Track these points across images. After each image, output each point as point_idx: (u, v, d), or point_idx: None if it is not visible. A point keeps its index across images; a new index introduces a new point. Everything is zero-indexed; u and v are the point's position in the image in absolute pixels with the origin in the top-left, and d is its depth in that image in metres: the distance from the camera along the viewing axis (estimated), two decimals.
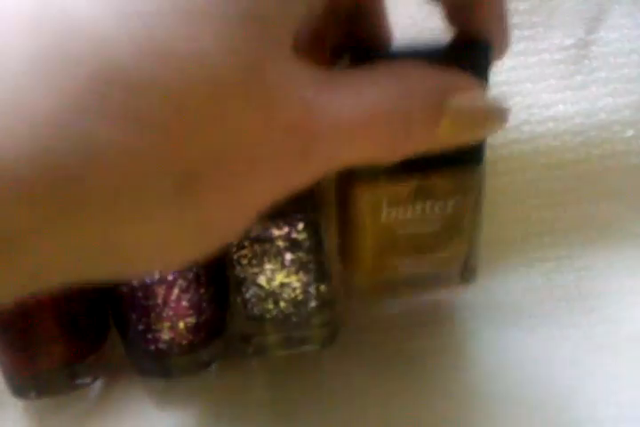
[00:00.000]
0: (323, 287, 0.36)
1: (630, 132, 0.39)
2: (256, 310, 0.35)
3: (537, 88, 0.39)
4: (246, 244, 0.34)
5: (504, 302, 0.40)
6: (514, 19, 0.39)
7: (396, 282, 0.36)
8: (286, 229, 0.34)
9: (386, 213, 0.33)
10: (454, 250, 0.35)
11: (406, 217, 0.33)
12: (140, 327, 0.34)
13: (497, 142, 0.39)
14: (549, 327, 0.39)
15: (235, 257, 0.34)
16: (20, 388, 0.34)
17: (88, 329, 0.35)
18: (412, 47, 0.30)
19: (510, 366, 0.37)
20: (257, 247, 0.34)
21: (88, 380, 0.35)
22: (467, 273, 0.36)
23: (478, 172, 0.33)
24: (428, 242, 0.34)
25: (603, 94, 0.39)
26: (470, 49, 0.30)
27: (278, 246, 0.34)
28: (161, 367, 0.35)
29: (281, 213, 0.34)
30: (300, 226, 0.34)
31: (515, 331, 0.39)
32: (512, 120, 0.38)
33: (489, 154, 0.38)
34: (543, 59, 0.39)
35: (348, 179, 0.33)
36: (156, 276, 0.33)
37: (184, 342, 0.35)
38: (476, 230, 0.35)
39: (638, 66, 0.39)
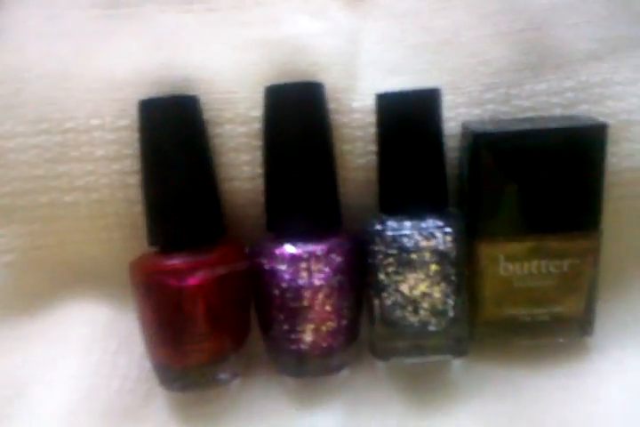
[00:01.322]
0: (461, 299, 0.35)
1: None
2: (395, 317, 0.35)
3: None
4: (393, 252, 0.34)
5: (634, 321, 0.39)
6: None
7: (514, 331, 0.37)
8: (434, 242, 0.34)
9: (503, 266, 0.35)
10: (571, 305, 0.37)
11: (523, 272, 0.36)
12: (286, 327, 0.34)
13: (637, 166, 0.37)
14: None
15: (381, 264, 0.34)
16: (168, 380, 0.35)
17: (233, 327, 0.35)
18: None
19: (638, 384, 0.36)
20: (404, 257, 0.34)
21: (229, 376, 0.36)
22: (585, 326, 0.37)
23: (595, 236, 0.36)
24: (544, 296, 0.36)
25: None
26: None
27: (424, 257, 0.34)
28: (299, 367, 0.36)
29: (431, 225, 0.34)
30: (449, 239, 0.34)
31: None
32: None
33: (630, 175, 0.38)
34: None
35: (473, 233, 0.35)
36: (305, 280, 0.34)
37: (324, 344, 0.35)
38: (593, 288, 0.37)
39: None
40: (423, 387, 0.37)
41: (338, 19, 0.39)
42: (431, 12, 0.39)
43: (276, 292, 0.34)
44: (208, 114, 0.37)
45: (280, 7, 0.39)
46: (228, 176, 0.38)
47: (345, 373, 0.37)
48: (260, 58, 0.38)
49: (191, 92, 0.37)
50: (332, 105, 0.37)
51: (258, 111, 0.36)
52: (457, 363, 0.37)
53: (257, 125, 0.37)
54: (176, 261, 0.34)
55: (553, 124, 0.35)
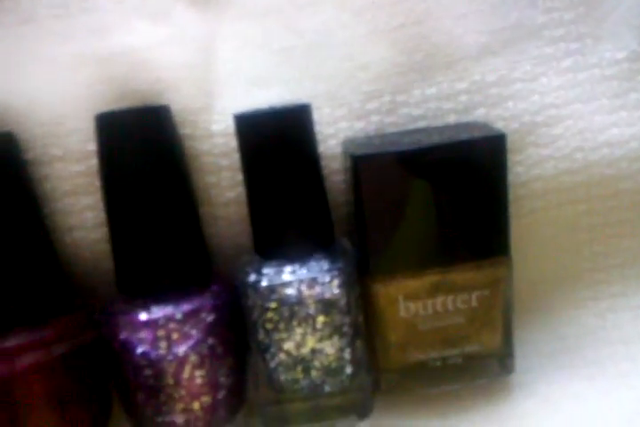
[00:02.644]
0: (358, 351, 0.30)
1: None
2: (283, 380, 0.29)
3: (588, 109, 0.33)
4: (272, 306, 0.28)
5: (556, 350, 0.35)
6: (558, 30, 0.33)
7: (426, 377, 0.32)
8: (319, 289, 0.28)
9: (404, 307, 0.31)
10: (486, 342, 0.32)
11: (427, 312, 0.31)
12: (149, 411, 0.28)
13: (547, 173, 0.33)
14: (608, 376, 0.34)
15: (258, 321, 0.28)
16: None
17: (87, 412, 0.28)
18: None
19: (569, 423, 0.32)
20: (284, 310, 0.28)
21: None
22: (505, 363, 0.33)
23: (504, 263, 0.31)
24: (454, 335, 0.32)
25: None
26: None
27: (309, 308, 0.28)
28: None
29: (314, 268, 0.28)
30: (336, 284, 0.28)
31: (571, 384, 0.34)
32: (563, 148, 0.34)
33: (540, 185, 0.33)
34: (593, 75, 0.33)
35: (365, 272, 0.31)
36: (164, 352, 0.27)
37: (200, 423, 0.28)
38: (508, 321, 0.32)
39: None
40: None
41: (184, 22, 0.32)
42: (297, 9, 0.32)
43: (132, 368, 0.27)
44: (31, 153, 0.30)
45: (112, 12, 0.31)
46: (66, 225, 0.31)
47: None
48: (91, 78, 0.30)
49: (6, 128, 0.29)
50: (186, 130, 0.31)
51: (93, 144, 0.29)
52: (362, 424, 0.32)
53: (94, 162, 0.30)
54: (4, 344, 0.27)
55: (444, 137, 0.30)
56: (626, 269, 0.35)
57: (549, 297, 0.35)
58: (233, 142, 0.31)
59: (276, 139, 0.28)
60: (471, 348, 0.31)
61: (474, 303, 0.30)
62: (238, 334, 0.29)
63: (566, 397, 0.33)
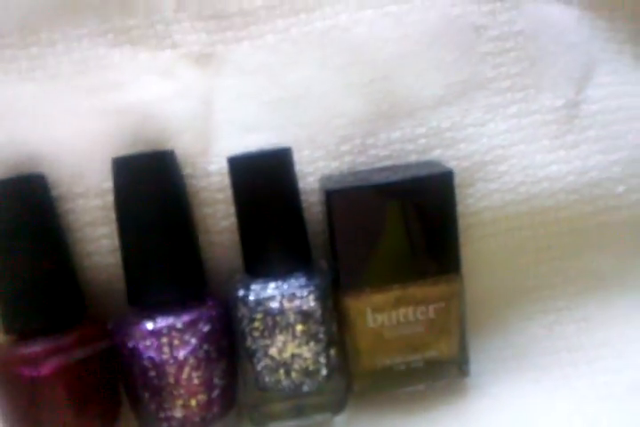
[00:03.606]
0: (332, 356, 0.34)
1: (621, 188, 0.38)
2: (268, 382, 0.34)
3: (531, 149, 0.38)
4: (258, 316, 0.33)
5: (508, 356, 0.39)
6: (505, 82, 0.38)
7: (392, 380, 0.36)
8: (298, 302, 0.33)
9: (372, 318, 0.34)
10: (444, 348, 0.36)
11: (391, 322, 0.34)
12: (153, 407, 0.32)
13: (495, 204, 0.37)
14: (553, 379, 0.38)
15: (246, 330, 0.33)
16: None
17: (101, 411, 0.33)
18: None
19: (518, 420, 0.36)
20: (268, 320, 0.33)
21: None
22: (462, 367, 0.37)
23: (456, 279, 0.35)
24: (416, 343, 0.36)
25: (594, 152, 0.38)
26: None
27: (289, 318, 0.33)
28: None
29: (294, 285, 0.33)
30: (312, 297, 0.33)
31: (520, 384, 0.37)
32: (508, 182, 0.38)
33: (489, 214, 0.38)
34: (535, 120, 0.38)
35: (338, 287, 0.34)
36: (167, 356, 0.32)
37: (196, 418, 0.33)
38: (462, 329, 0.36)
39: (626, 122, 0.39)
40: None
41: (188, 78, 0.37)
42: (283, 66, 0.37)
43: (139, 370, 0.32)
44: (58, 190, 0.35)
45: (126, 69, 0.36)
46: (86, 251, 0.35)
47: None
48: (109, 126, 0.35)
49: (38, 169, 0.34)
50: (187, 170, 0.36)
51: (110, 183, 0.34)
52: (338, 419, 0.36)
53: (111, 197, 0.34)
54: (28, 350, 0.31)
55: (405, 174, 0.35)
56: (569, 287, 0.39)
57: (501, 310, 0.39)
58: (227, 180, 0.35)
59: (262, 176, 0.33)
60: (431, 354, 0.35)
61: (431, 315, 0.35)
62: (230, 342, 0.34)
63: (515, 396, 0.37)
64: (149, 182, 0.33)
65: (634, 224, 0.39)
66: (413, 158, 0.37)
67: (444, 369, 0.36)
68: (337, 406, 0.35)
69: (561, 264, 0.39)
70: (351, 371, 0.35)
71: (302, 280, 0.33)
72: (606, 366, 0.38)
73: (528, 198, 0.38)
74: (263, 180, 0.33)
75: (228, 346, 0.34)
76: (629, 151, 0.39)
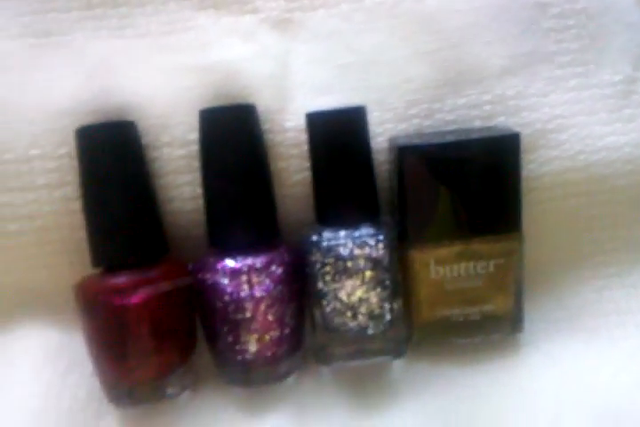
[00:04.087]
0: (397, 303, 0.36)
1: None
2: (335, 323, 0.35)
3: (590, 120, 0.39)
4: (330, 261, 0.35)
5: (560, 317, 0.40)
6: (566, 57, 0.39)
7: (449, 330, 0.38)
8: (368, 250, 0.35)
9: (434, 270, 0.36)
10: (500, 303, 0.37)
11: (452, 275, 0.36)
12: (230, 339, 0.34)
13: (554, 170, 0.39)
14: (602, 340, 0.39)
15: (319, 273, 0.35)
16: (116, 397, 0.34)
17: (179, 342, 0.35)
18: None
19: (567, 376, 0.37)
20: (340, 265, 0.35)
21: (177, 390, 0.35)
22: (515, 323, 0.38)
23: (516, 238, 0.37)
24: (474, 296, 0.37)
25: None
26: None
27: (359, 264, 0.35)
28: (246, 377, 0.35)
29: (364, 233, 0.35)
30: (381, 246, 0.35)
31: (570, 343, 0.39)
32: (568, 150, 0.40)
33: (549, 180, 0.39)
34: (594, 93, 0.39)
35: (404, 240, 0.36)
36: (246, 293, 0.34)
37: (269, 353, 0.35)
38: (519, 286, 0.37)
39: None
40: (366, 388, 0.37)
41: (267, 41, 0.39)
42: (355, 33, 0.40)
43: (219, 305, 0.34)
44: (146, 138, 0.37)
45: (210, 31, 0.39)
46: (168, 197, 0.37)
47: (291, 380, 0.37)
48: (193, 82, 0.38)
49: (128, 118, 0.37)
50: (266, 125, 0.38)
51: (194, 134, 0.36)
52: (397, 364, 0.38)
53: (194, 147, 0.37)
54: (118, 280, 0.33)
55: (471, 136, 0.36)
56: (621, 254, 0.41)
57: (556, 274, 0.41)
58: (301, 136, 0.37)
59: (337, 133, 0.35)
60: (488, 307, 0.37)
61: (491, 270, 0.36)
62: (301, 286, 0.36)
63: (565, 354, 0.38)
64: (233, 134, 0.35)
65: None
66: (478, 124, 0.39)
67: (499, 324, 0.37)
68: (397, 351, 0.37)
69: (614, 232, 0.40)
70: (412, 320, 0.37)
71: (371, 230, 0.35)
72: None
73: (586, 166, 0.39)
74: (339, 134, 0.35)
75: (300, 289, 0.36)
76: None
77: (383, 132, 0.39)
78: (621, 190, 0.40)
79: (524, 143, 0.38)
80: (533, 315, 0.39)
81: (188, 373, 0.35)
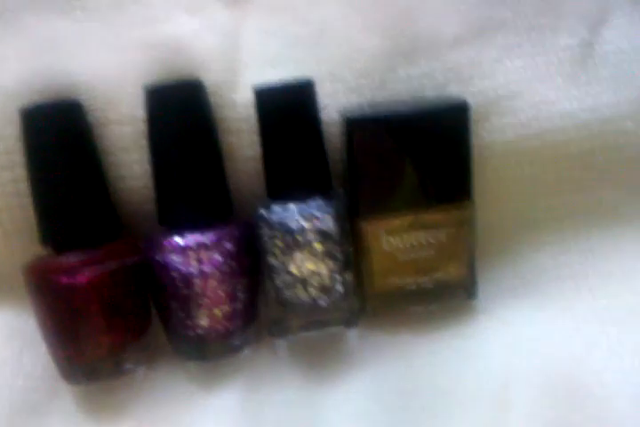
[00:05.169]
0: (348, 275, 0.35)
1: (630, 125, 0.39)
2: (287, 296, 0.35)
3: (544, 86, 0.38)
4: (279, 235, 0.34)
5: (516, 284, 0.40)
6: (522, 22, 0.38)
7: (403, 300, 0.37)
8: (317, 223, 0.34)
9: (386, 241, 0.35)
10: (453, 272, 0.37)
11: (404, 245, 0.36)
12: (181, 315, 0.34)
13: (508, 138, 0.38)
14: (556, 305, 0.39)
15: (269, 247, 0.34)
16: (70, 375, 0.34)
17: (131, 320, 0.34)
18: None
19: (520, 341, 0.37)
20: (289, 238, 0.34)
21: (132, 366, 0.35)
22: (469, 290, 0.38)
23: (467, 206, 0.36)
24: (427, 265, 0.37)
25: (605, 90, 0.38)
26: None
27: (309, 237, 0.34)
28: (199, 352, 0.35)
29: (313, 207, 0.34)
30: (330, 219, 0.34)
31: (525, 309, 0.38)
32: (522, 117, 0.39)
33: (502, 147, 0.39)
34: (550, 59, 0.38)
35: (355, 212, 0.36)
36: (195, 269, 0.34)
37: (220, 328, 0.34)
38: (472, 254, 0.37)
39: (638, 62, 0.39)
40: (321, 359, 0.37)
41: (216, 15, 0.38)
42: (306, 5, 0.38)
43: (169, 282, 0.33)
44: (93, 116, 0.36)
45: (158, 6, 0.37)
46: (119, 175, 0.37)
47: (246, 353, 0.36)
48: (141, 58, 0.36)
49: (75, 97, 0.35)
50: (215, 100, 0.37)
51: (141, 111, 0.36)
52: (351, 334, 0.37)
53: (142, 125, 0.36)
54: (66, 260, 0.33)
55: (422, 106, 0.35)
56: (576, 220, 0.40)
57: (511, 241, 0.40)
58: (251, 111, 0.36)
59: (286, 106, 0.34)
60: (440, 276, 0.36)
61: (442, 239, 0.36)
62: (253, 261, 0.35)
63: (519, 320, 0.38)
64: (179, 110, 0.34)
65: None
66: (430, 93, 0.38)
67: (453, 291, 0.37)
68: (350, 322, 0.36)
69: (569, 198, 0.40)
70: (365, 291, 0.37)
71: (321, 203, 0.34)
72: (608, 293, 0.38)
73: (540, 133, 0.38)
74: (287, 107, 0.34)
75: (251, 264, 0.35)
76: None
77: (335, 103, 0.38)
78: (576, 156, 0.39)
79: (478, 111, 0.37)
80: (489, 282, 0.39)
81: (142, 349, 0.35)
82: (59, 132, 0.34)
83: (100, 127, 0.36)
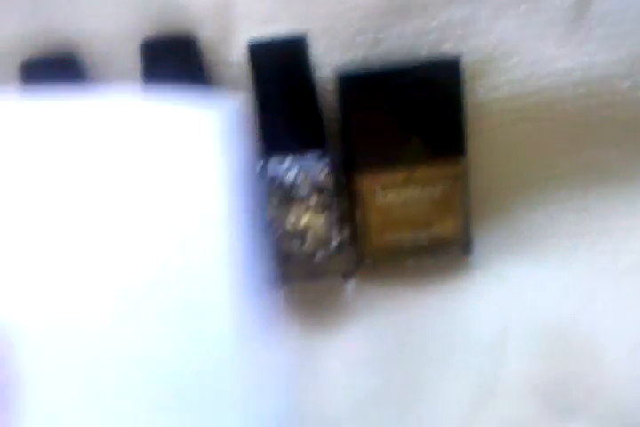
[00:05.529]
0: (344, 229, 0.36)
1: (627, 84, 0.39)
2: (284, 249, 0.35)
3: (539, 45, 0.38)
4: (274, 189, 0.34)
5: (512, 241, 0.40)
6: None
7: (400, 254, 0.37)
8: (312, 176, 0.34)
9: (381, 196, 0.35)
10: (448, 228, 0.37)
11: (399, 200, 0.35)
12: None
13: (503, 96, 0.38)
14: (552, 260, 0.39)
15: (265, 200, 0.35)
16: None
17: None
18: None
19: (516, 294, 0.37)
20: (284, 192, 0.34)
21: None
22: (464, 246, 0.38)
23: (461, 162, 0.36)
24: (421, 220, 0.37)
25: (601, 49, 0.38)
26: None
27: (304, 191, 0.34)
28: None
29: (309, 160, 0.34)
30: (325, 172, 0.34)
31: (521, 264, 0.39)
32: (517, 75, 0.39)
33: (497, 105, 0.39)
34: (545, 18, 0.37)
35: (350, 167, 0.36)
36: None
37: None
38: (466, 211, 0.37)
39: (634, 21, 0.39)
40: (318, 310, 0.37)
41: None
42: None
43: None
44: (90, 73, 0.36)
45: None
46: None
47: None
48: (134, 16, 0.36)
49: (71, 54, 0.36)
50: (209, 57, 0.37)
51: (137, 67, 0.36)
52: (348, 286, 0.38)
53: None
54: None
55: (413, 62, 0.35)
56: (573, 178, 0.40)
57: (508, 200, 0.40)
58: (246, 68, 0.37)
59: (280, 63, 0.35)
60: (435, 231, 0.36)
61: (437, 195, 0.36)
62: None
63: (515, 274, 0.38)
64: (173, 66, 0.35)
65: (638, 120, 0.40)
66: (425, 52, 0.38)
67: (448, 247, 0.37)
68: (347, 275, 0.37)
69: (565, 157, 0.39)
70: (361, 246, 0.37)
71: (316, 157, 0.34)
72: (604, 250, 0.39)
73: (535, 91, 0.38)
74: (281, 65, 0.34)
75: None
76: (636, 49, 0.39)
77: (329, 61, 0.38)
78: (572, 115, 0.39)
79: (472, 69, 0.37)
80: (485, 240, 0.39)
81: None
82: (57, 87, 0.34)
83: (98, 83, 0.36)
